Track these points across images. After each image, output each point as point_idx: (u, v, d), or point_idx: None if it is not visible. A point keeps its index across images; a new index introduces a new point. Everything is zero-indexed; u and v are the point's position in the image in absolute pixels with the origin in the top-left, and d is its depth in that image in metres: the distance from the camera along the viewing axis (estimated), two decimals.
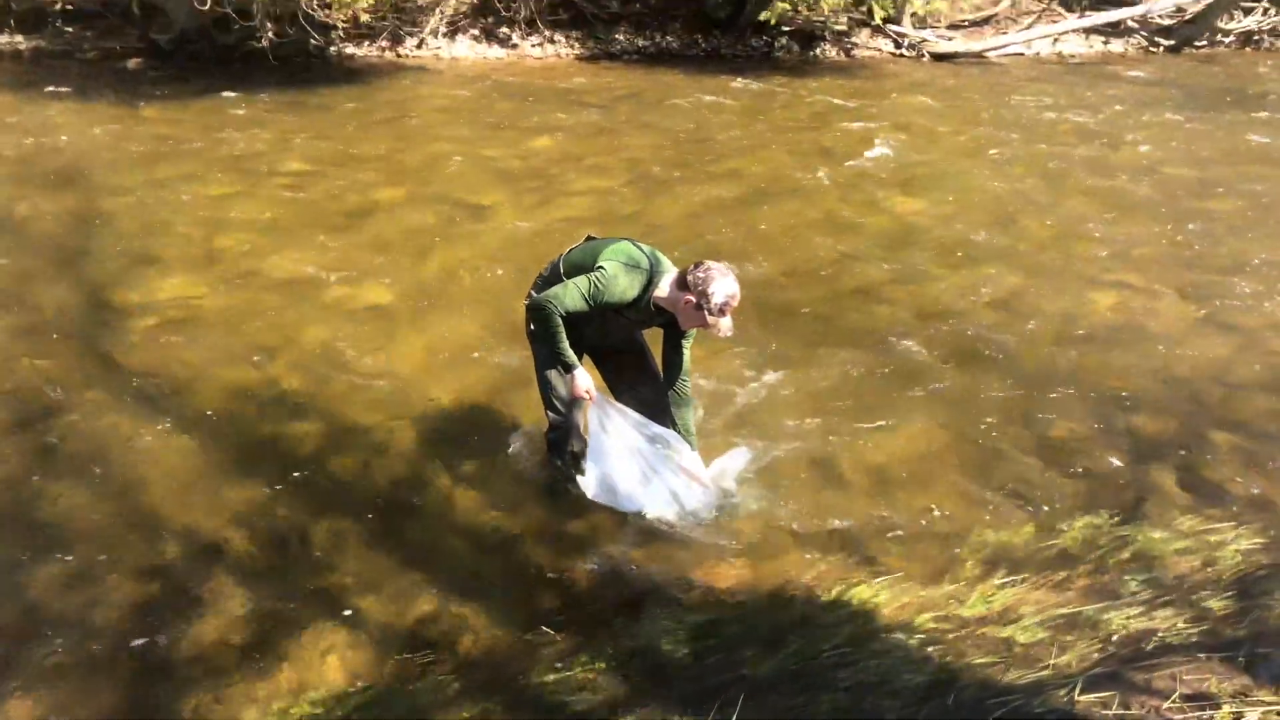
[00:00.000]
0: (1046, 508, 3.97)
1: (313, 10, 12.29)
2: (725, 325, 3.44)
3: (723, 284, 3.36)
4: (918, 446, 4.46)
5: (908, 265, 6.83)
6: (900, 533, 3.80)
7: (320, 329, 5.49)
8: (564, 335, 3.51)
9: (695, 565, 3.58)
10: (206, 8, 10.77)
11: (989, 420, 4.69)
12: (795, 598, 3.40)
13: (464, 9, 15.56)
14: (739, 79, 14.18)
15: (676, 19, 17.15)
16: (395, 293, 6.06)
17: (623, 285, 3.47)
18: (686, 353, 3.78)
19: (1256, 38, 20.63)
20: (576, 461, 3.92)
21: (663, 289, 3.49)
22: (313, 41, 13.59)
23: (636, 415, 3.72)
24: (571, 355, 3.56)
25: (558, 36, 16.11)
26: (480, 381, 4.95)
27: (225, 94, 11.49)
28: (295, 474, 4.09)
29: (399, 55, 14.97)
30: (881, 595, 3.34)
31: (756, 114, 12.04)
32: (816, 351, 5.38)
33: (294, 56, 13.62)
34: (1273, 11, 20.53)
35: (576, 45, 16.15)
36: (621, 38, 16.58)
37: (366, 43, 14.83)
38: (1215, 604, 3.34)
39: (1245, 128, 11.92)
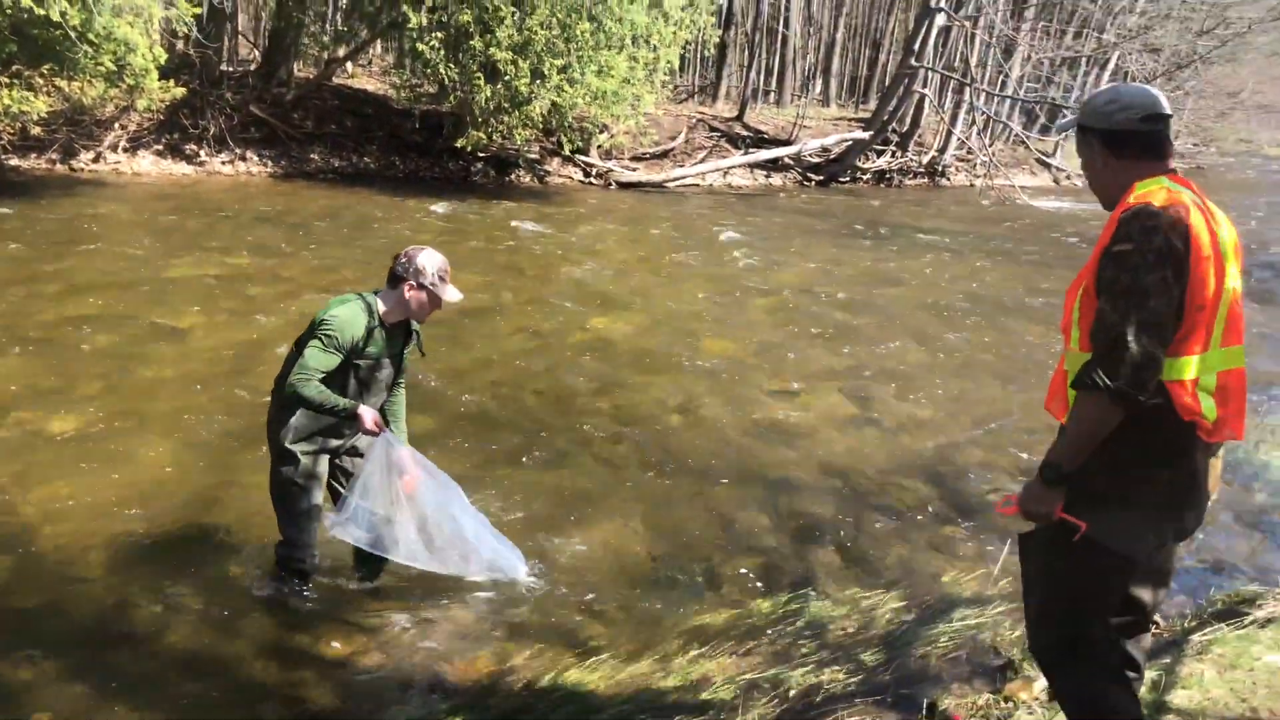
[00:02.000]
0: (735, 589, 4.50)
1: None
2: (453, 293, 3.64)
3: (427, 255, 3.61)
4: (620, 541, 4.88)
5: (604, 377, 7.41)
6: (604, 620, 4.16)
7: (3, 459, 5.15)
8: (328, 391, 3.50)
9: (420, 668, 3.74)
10: None
11: (681, 514, 5.22)
12: (516, 687, 3.64)
13: (148, 124, 15.01)
14: (438, 201, 14.65)
15: (374, 141, 17.47)
16: (86, 418, 5.79)
17: (349, 318, 3.55)
18: (407, 362, 3.94)
19: (888, 176, 24.07)
20: (305, 578, 3.98)
21: (384, 305, 3.65)
22: None
23: (426, 460, 3.80)
24: (347, 401, 3.54)
25: (250, 154, 15.90)
26: (185, 502, 4.85)
27: None
28: None
29: (72, 169, 14.13)
30: (592, 675, 3.67)
31: (455, 234, 12.50)
32: (524, 459, 5.73)
33: None
34: (899, 154, 24.05)
35: (270, 164, 16.00)
36: (317, 157, 16.63)
37: (34, 154, 13.90)
38: (868, 657, 3.95)
39: (878, 253, 13.90)
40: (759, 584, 4.57)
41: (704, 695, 3.56)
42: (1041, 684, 3.60)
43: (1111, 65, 31.43)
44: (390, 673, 3.70)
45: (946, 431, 6.85)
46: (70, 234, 10.38)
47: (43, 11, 9.80)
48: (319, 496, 3.87)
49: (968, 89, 24.49)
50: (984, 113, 26.25)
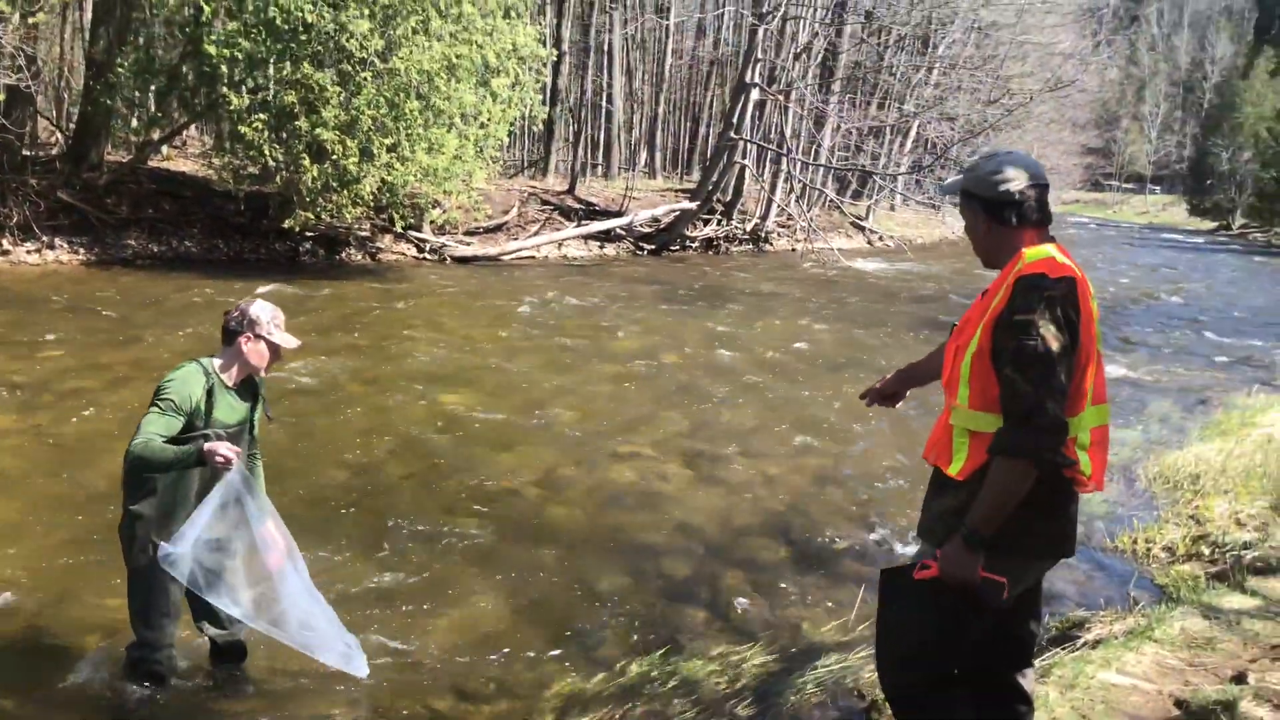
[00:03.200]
0: (605, 654, 4.53)
1: None
2: (289, 339, 3.58)
3: (259, 306, 3.55)
4: (485, 617, 4.83)
5: (455, 453, 7.34)
6: (480, 696, 4.11)
7: None
8: (167, 447, 3.31)
9: None
10: None
11: (545, 585, 5.22)
12: None
13: None
14: (265, 283, 14.22)
15: (195, 224, 16.86)
16: None
17: (185, 378, 3.45)
18: (258, 434, 3.82)
19: (715, 243, 24.94)
20: (160, 680, 3.75)
21: (220, 362, 3.55)
22: None
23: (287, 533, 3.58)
24: (189, 447, 3.31)
25: (59, 242, 15.05)
26: (23, 605, 4.51)
27: None
28: None
29: None
30: None
31: (287, 315, 12.15)
32: (379, 546, 5.59)
33: None
34: (724, 222, 24.98)
35: (82, 251, 15.18)
36: (134, 243, 15.90)
37: None
38: (742, 711, 4.05)
39: (713, 317, 14.38)
40: (629, 648, 4.61)
41: None
42: None
43: (913, 133, 33.83)
44: None
45: (791, 486, 7.13)
46: None
47: None
48: (178, 593, 3.68)
49: (784, 159, 25.80)
50: (800, 180, 27.68)
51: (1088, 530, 6.42)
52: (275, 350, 3.60)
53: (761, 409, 9.24)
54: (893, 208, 37.41)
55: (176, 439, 3.38)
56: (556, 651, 4.55)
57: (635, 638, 4.72)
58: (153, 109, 17.27)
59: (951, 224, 36.85)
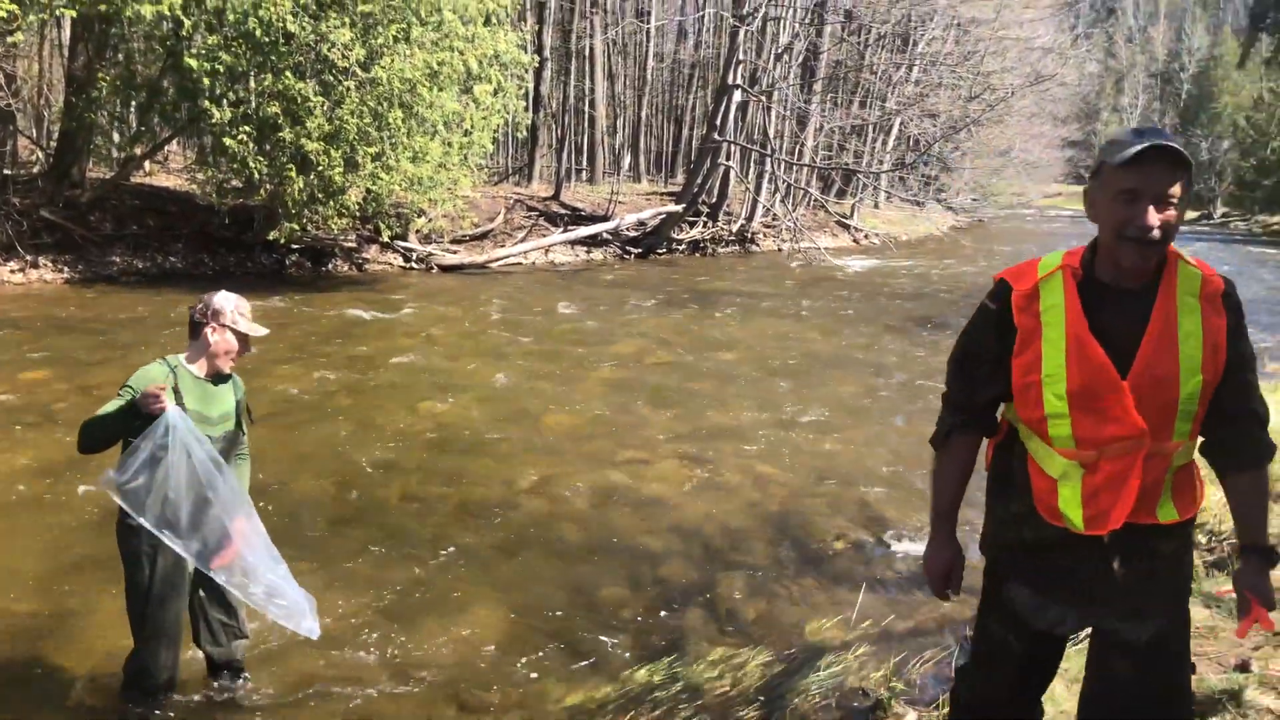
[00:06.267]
0: (610, 662, 4.51)
1: None
2: (256, 327, 3.55)
3: (222, 296, 3.53)
4: (485, 631, 4.79)
5: (448, 463, 7.31)
6: (486, 709, 4.08)
7: None
8: (101, 411, 3.36)
9: None
10: None
11: (545, 594, 5.19)
12: None
13: None
14: (252, 296, 14.08)
15: (179, 239, 16.79)
16: None
17: (145, 372, 3.46)
18: (246, 419, 3.80)
19: (702, 245, 24.97)
20: (159, 696, 3.72)
21: (186, 355, 3.56)
22: None
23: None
24: (119, 400, 3.35)
25: (43, 261, 14.97)
26: (18, 622, 4.47)
27: None
28: None
29: None
30: None
31: (274, 328, 12.08)
32: (377, 559, 5.57)
33: None
34: (710, 224, 25.01)
35: (66, 269, 15.10)
36: (119, 260, 15.82)
37: None
38: (746, 714, 4.04)
39: (703, 319, 14.38)
40: (632, 655, 4.59)
41: None
42: (912, 716, 3.77)
43: (895, 130, 33.96)
44: None
45: (788, 486, 7.12)
46: None
47: None
48: (179, 605, 3.65)
49: (768, 159, 25.85)
50: (785, 180, 27.74)
51: None
52: (243, 340, 3.58)
53: (755, 409, 9.23)
54: (877, 205, 37.52)
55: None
56: (559, 661, 4.52)
57: (638, 645, 4.70)
58: (134, 125, 17.19)
59: (935, 221, 37.02)
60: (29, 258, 14.78)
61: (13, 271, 14.58)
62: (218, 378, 3.65)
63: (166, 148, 19.24)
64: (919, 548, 5.96)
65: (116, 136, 17.95)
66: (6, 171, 15.46)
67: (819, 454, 7.93)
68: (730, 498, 6.85)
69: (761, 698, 4.19)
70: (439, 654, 4.53)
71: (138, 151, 17.16)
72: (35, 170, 17.42)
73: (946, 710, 3.81)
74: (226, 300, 3.54)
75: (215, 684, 3.98)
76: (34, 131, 20.09)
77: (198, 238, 16.94)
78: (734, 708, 4.10)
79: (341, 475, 6.96)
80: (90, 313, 12.54)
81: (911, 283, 21.10)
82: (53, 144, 17.92)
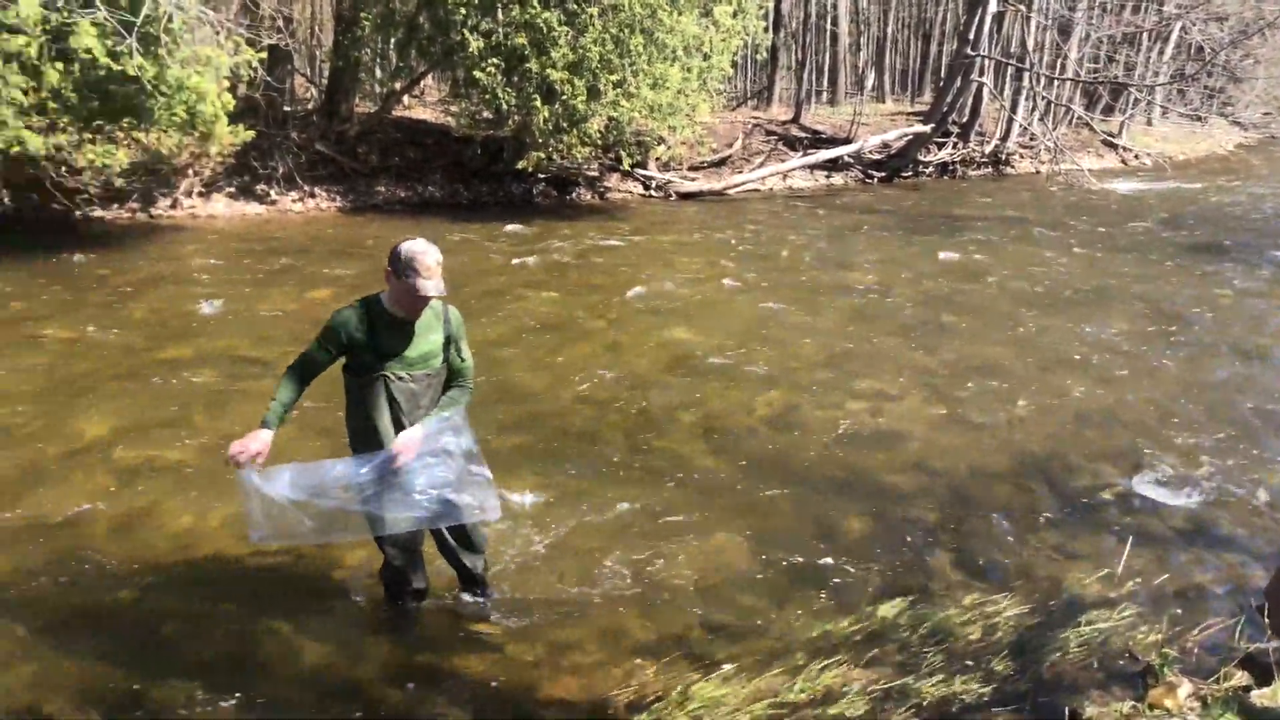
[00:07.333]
0: (851, 596, 4.41)
1: (61, 176, 11.82)
2: (429, 286, 3.49)
3: (406, 245, 3.52)
4: (725, 555, 4.82)
5: (687, 389, 7.34)
6: (725, 633, 4.10)
7: (117, 495, 5.26)
8: (284, 392, 3.62)
9: (545, 687, 3.71)
10: None
11: (784, 523, 5.14)
12: (647, 701, 3.60)
13: (219, 168, 15.38)
14: (503, 224, 14.77)
15: (436, 170, 17.67)
16: (190, 452, 5.90)
17: (343, 317, 3.62)
18: (456, 358, 3.83)
19: (951, 168, 23.69)
20: (419, 597, 4.00)
21: (385, 296, 3.66)
22: (55, 206, 13.02)
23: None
24: (272, 416, 3.57)
25: (319, 191, 16.20)
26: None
27: None
28: (118, 641, 3.92)
29: (151, 216, 14.54)
30: (722, 689, 3.61)
31: (523, 255, 12.57)
32: (618, 475, 5.69)
33: (36, 222, 12.99)
34: (961, 145, 23.67)
35: (338, 199, 16.28)
36: (383, 190, 16.88)
37: (115, 205, 14.32)
38: (998, 666, 3.85)
39: (953, 247, 13.65)
40: (874, 591, 4.47)
41: (837, 707, 3.49)
42: (1187, 689, 3.46)
43: (1174, 37, 30.64)
44: (518, 694, 3.68)
45: (1046, 428, 6.67)
46: (155, 278, 10.65)
47: (119, 67, 10.08)
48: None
49: (1026, 74, 24.03)
50: (1044, 97, 25.74)
51: None
52: (413, 291, 3.51)
53: (1009, 343, 8.70)
54: (1150, 122, 34.11)
55: (355, 369, 3.66)
56: (799, 590, 4.47)
57: (880, 581, 4.57)
58: (394, 60, 18.14)
59: (1219, 137, 33.32)
60: (307, 188, 16.05)
61: (294, 201, 15.89)
62: (432, 316, 3.71)
63: (423, 82, 20.21)
64: (1196, 502, 5.44)
65: (378, 72, 19.04)
66: (286, 109, 16.74)
67: (1081, 394, 7.37)
68: (981, 436, 6.50)
69: (1014, 649, 3.97)
70: (680, 575, 4.58)
71: (397, 86, 18.13)
72: (310, 107, 18.78)
73: (1228, 685, 3.48)
74: (408, 250, 3.50)
75: (464, 596, 4.23)
76: (308, 70, 21.64)
77: (453, 168, 17.79)
78: (984, 656, 3.91)
79: (585, 395, 7.16)
80: (360, 238, 13.48)
81: (1188, 207, 19.12)
82: (324, 81, 19.24)
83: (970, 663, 3.85)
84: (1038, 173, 24.61)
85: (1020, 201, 19.59)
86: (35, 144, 10.32)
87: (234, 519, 4.98)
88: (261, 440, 3.50)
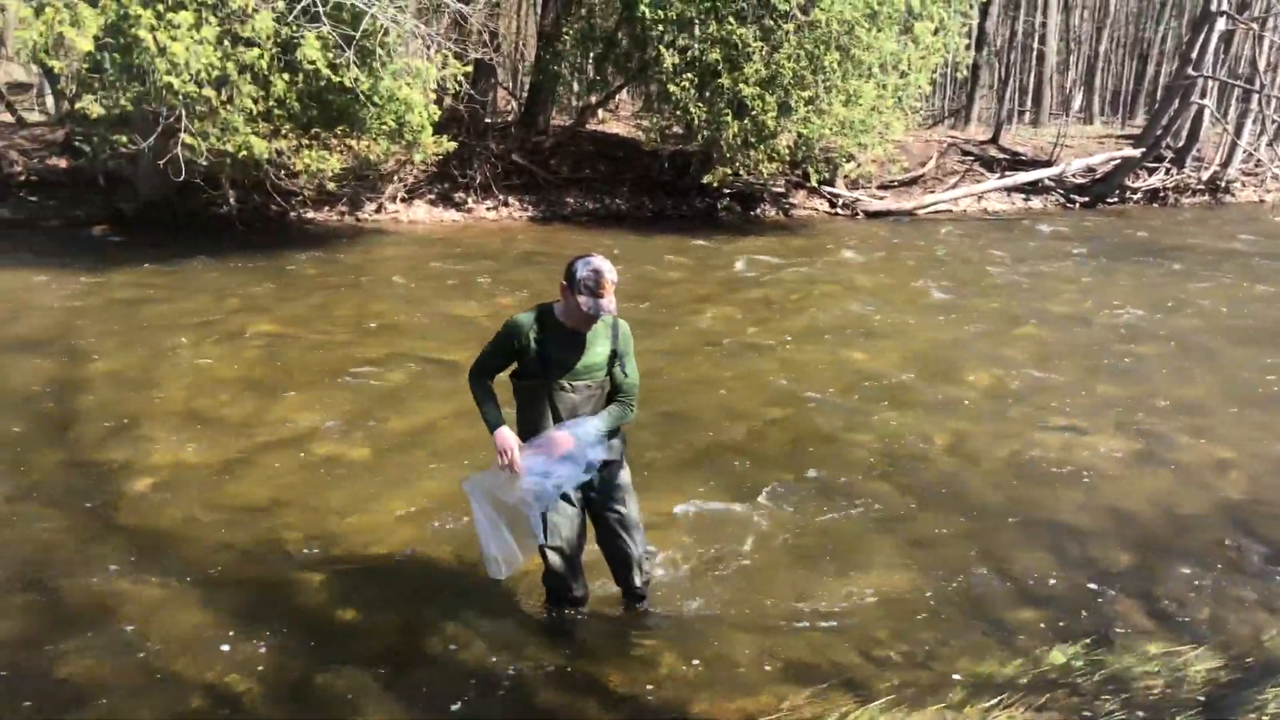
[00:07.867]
0: (1022, 636, 4.21)
1: (280, 179, 12.80)
2: (603, 304, 3.52)
3: (582, 262, 3.54)
4: (893, 584, 4.69)
5: (862, 412, 7.20)
6: (887, 663, 4.00)
7: (308, 485, 5.64)
8: (487, 399, 3.80)
9: (698, 705, 3.72)
10: (181, 179, 11.16)
11: (955, 556, 4.96)
12: None
13: (422, 175, 16.25)
14: (685, 237, 14.92)
15: (624, 183, 18.05)
16: (377, 448, 6.26)
17: (510, 324, 3.75)
18: (620, 372, 3.84)
19: (1162, 194, 22.25)
20: (578, 605, 4.10)
21: (559, 307, 3.72)
22: (273, 207, 14.09)
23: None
24: (494, 416, 3.78)
25: (511, 200, 16.85)
26: (468, 529, 5.11)
27: (193, 259, 11.81)
28: (300, 626, 4.19)
29: (358, 219, 15.52)
30: (881, 718, 3.53)
31: (704, 270, 12.67)
32: (784, 496, 5.64)
33: (255, 222, 14.10)
34: (1174, 171, 22.21)
35: (530, 208, 16.88)
36: (572, 201, 17.38)
37: (326, 208, 15.37)
38: None
39: (1159, 277, 12.83)
40: (1047, 633, 4.25)
41: None
42: None
43: None
44: (671, 706, 3.71)
45: (1251, 471, 6.18)
46: (358, 278, 11.37)
47: (338, 79, 10.85)
48: (567, 527, 3.95)
49: (1255, 96, 22.33)
50: (1275, 120, 23.82)
51: None
52: (584, 309, 3.54)
53: (1217, 383, 8.10)
54: None
55: (521, 376, 3.80)
56: (965, 626, 4.31)
57: (1055, 624, 4.34)
58: (591, 74, 18.68)
59: None
60: (500, 197, 16.74)
61: (488, 209, 16.60)
62: (600, 329, 3.76)
63: (617, 96, 20.71)
64: None
65: (575, 86, 19.66)
66: (487, 120, 17.52)
67: None
68: (1180, 479, 6.08)
69: (1205, 706, 3.69)
70: (842, 600, 4.51)
71: (593, 99, 18.68)
72: (510, 119, 19.58)
73: None
74: (583, 267, 3.54)
75: (623, 607, 4.31)
76: (510, 83, 22.56)
77: (640, 181, 18.12)
78: (1168, 709, 3.65)
79: (754, 413, 7.13)
80: (548, 248, 13.94)
81: None
82: (524, 94, 20.02)
83: (1152, 717, 3.60)
84: (1262, 202, 22.80)
85: (1240, 231, 18.17)
86: (260, 149, 11.23)
87: (409, 517, 5.27)
88: (506, 437, 3.76)
